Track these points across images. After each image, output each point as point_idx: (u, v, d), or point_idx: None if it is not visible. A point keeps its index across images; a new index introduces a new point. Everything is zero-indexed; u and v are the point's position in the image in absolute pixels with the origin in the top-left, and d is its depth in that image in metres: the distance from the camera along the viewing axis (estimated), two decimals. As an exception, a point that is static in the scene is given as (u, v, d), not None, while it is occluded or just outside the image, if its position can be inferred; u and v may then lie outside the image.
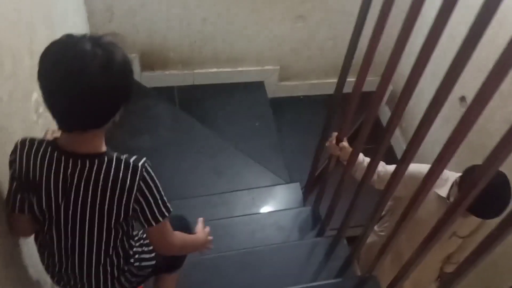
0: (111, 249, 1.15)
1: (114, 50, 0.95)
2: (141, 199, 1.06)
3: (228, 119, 3.15)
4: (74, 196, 1.04)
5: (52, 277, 1.26)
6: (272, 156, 2.96)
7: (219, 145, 2.88)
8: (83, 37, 0.94)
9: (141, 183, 1.04)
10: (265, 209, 2.40)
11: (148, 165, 1.06)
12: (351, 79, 3.29)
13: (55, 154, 1.02)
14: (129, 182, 1.03)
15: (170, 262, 1.46)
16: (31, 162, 1.03)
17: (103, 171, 1.02)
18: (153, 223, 1.10)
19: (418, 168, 1.77)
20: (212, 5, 2.86)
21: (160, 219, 1.10)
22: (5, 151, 1.12)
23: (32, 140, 1.05)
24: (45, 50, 0.94)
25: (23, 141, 1.06)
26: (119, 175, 1.02)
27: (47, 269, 1.25)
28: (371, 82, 2.29)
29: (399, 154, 3.35)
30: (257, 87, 3.37)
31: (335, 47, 3.28)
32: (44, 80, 0.94)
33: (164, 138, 2.83)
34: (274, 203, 2.44)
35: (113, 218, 1.07)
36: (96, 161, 1.02)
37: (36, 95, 1.37)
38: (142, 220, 1.10)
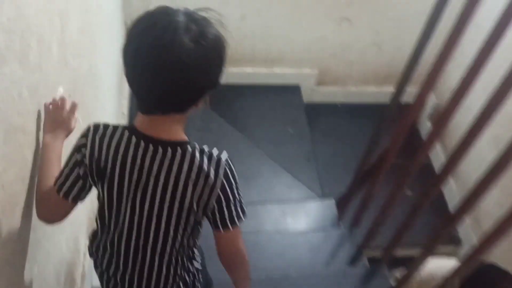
0: (176, 252, 1.05)
1: (208, 25, 0.89)
2: (222, 196, 0.96)
3: (260, 122, 2.98)
4: (153, 187, 0.95)
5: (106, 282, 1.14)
6: (305, 166, 2.78)
7: (249, 150, 2.71)
8: (177, 9, 0.88)
9: (223, 179, 0.95)
10: (297, 226, 2.22)
11: (230, 160, 0.98)
12: (390, 88, 3.09)
13: (133, 139, 0.94)
14: (213, 177, 0.94)
15: None
16: (105, 147, 0.94)
17: (186, 162, 0.93)
18: (229, 225, 0.99)
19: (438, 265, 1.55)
20: (252, 2, 2.69)
21: (237, 221, 1.00)
22: (24, 155, 0.97)
23: (106, 125, 0.97)
24: (135, 19, 0.88)
25: (96, 125, 0.97)
26: (203, 167, 0.93)
27: (102, 271, 1.13)
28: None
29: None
30: (293, 90, 3.19)
31: (379, 53, 3.07)
32: (130, 50, 0.87)
33: (192, 138, 2.66)
34: (307, 220, 2.26)
35: (191, 215, 0.98)
36: (179, 149, 0.93)
37: (62, 89, 1.21)
38: (218, 221, 0.99)
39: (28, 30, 0.96)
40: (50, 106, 1.05)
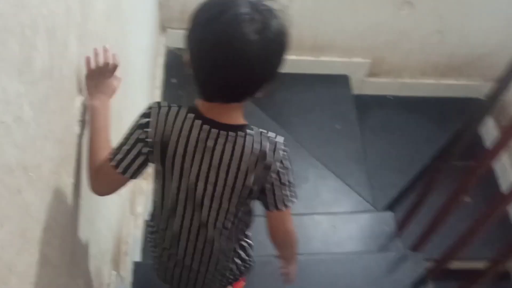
0: (235, 228, 1.10)
1: (272, 17, 0.88)
2: (275, 179, 0.98)
3: (304, 117, 2.68)
4: (217, 168, 0.98)
5: (162, 272, 1.22)
6: (354, 169, 2.49)
7: (293, 150, 2.39)
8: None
9: (279, 163, 0.97)
10: (349, 244, 1.94)
11: (285, 144, 1.00)
12: (450, 81, 2.73)
13: (196, 121, 0.95)
14: (270, 158, 0.96)
15: None
16: (169, 127, 0.95)
17: (248, 144, 0.95)
18: (280, 207, 1.02)
19: None
20: (302, -19, 2.37)
21: (288, 203, 1.03)
22: (33, 182, 0.72)
23: (169, 105, 0.97)
24: (199, 6, 0.87)
25: (159, 104, 0.97)
26: (262, 150, 0.96)
27: (159, 260, 1.21)
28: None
29: (503, 184, 2.80)
30: (341, 81, 2.87)
31: (442, 42, 2.72)
32: (194, 39, 0.87)
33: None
34: (362, 238, 1.98)
35: (251, 193, 1.01)
36: (240, 132, 0.95)
37: (81, 99, 0.95)
38: (269, 202, 1.02)
39: (32, 25, 0.69)
40: (91, 66, 0.98)
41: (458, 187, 1.72)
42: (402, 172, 2.85)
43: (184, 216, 1.07)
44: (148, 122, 0.96)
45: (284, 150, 0.98)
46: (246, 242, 1.21)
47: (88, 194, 1.04)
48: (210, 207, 1.03)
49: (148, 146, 0.96)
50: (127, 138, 0.97)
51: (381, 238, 1.98)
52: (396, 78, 2.95)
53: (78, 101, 0.94)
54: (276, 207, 1.02)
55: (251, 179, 0.97)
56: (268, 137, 0.97)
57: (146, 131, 0.96)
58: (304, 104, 2.74)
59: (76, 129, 0.94)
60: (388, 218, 2.01)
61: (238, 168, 0.97)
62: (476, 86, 3.02)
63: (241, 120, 0.97)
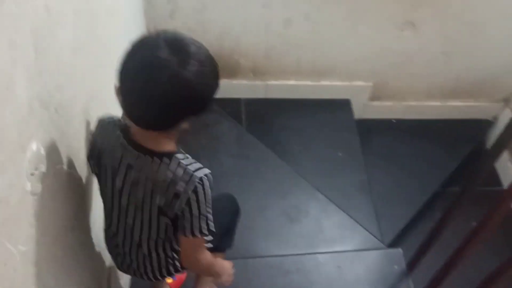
0: (161, 243, 1.15)
1: (190, 60, 0.90)
2: (184, 209, 1.02)
3: (304, 145, 2.53)
4: (132, 190, 1.05)
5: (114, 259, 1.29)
6: (359, 200, 2.32)
7: (293, 182, 2.27)
8: (161, 40, 0.90)
9: (191, 193, 1.01)
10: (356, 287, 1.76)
11: (208, 178, 1.02)
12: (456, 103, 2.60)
13: (124, 142, 1.03)
14: (180, 188, 1.00)
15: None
16: (103, 138, 1.07)
17: (158, 170, 1.00)
18: (188, 235, 1.06)
19: None
20: (299, 4, 2.24)
21: (197, 235, 1.06)
22: None
23: (107, 122, 1.08)
24: (126, 52, 0.92)
25: (100, 122, 1.10)
26: (172, 178, 1.00)
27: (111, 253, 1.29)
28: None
29: (505, 181, 2.68)
30: (342, 106, 2.73)
31: (447, 63, 2.58)
32: (120, 69, 0.92)
33: (225, 167, 2.25)
34: (370, 280, 1.80)
35: (159, 215, 1.06)
36: (155, 158, 1.00)
37: (35, 146, 0.80)
38: (180, 228, 1.07)
39: None
40: None
41: (478, 226, 1.56)
42: (410, 202, 2.69)
43: (119, 219, 1.15)
44: (90, 142, 1.12)
45: (200, 184, 1.01)
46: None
47: (51, 257, 0.88)
48: (135, 217, 1.10)
49: (91, 150, 1.11)
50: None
51: (390, 278, 1.81)
52: (400, 101, 2.80)
53: (30, 150, 0.79)
54: (185, 234, 1.06)
55: (161, 201, 1.03)
56: (185, 168, 1.00)
57: (89, 150, 1.13)
58: (304, 132, 2.60)
59: (28, 185, 0.79)
60: (398, 256, 1.85)
61: (152, 190, 1.03)
62: (484, 108, 2.87)
63: (164, 147, 1.01)
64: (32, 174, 0.80)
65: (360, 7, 2.27)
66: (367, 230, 2.11)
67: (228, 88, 2.58)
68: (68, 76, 1.01)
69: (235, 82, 2.56)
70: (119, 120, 1.06)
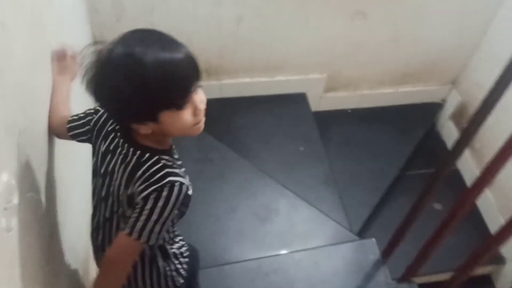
0: None
1: (143, 61, 0.84)
2: (140, 203, 0.95)
3: (265, 142, 2.50)
4: (110, 175, 1.04)
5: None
6: (325, 192, 2.32)
7: (259, 180, 2.24)
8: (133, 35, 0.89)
9: (152, 195, 0.94)
10: (337, 281, 1.76)
11: (179, 186, 0.95)
12: (408, 88, 2.66)
13: (116, 128, 1.04)
14: (146, 185, 0.95)
15: None
16: (103, 123, 1.07)
17: (137, 162, 0.99)
18: (125, 228, 0.96)
19: None
20: (249, 0, 2.20)
21: (135, 235, 0.95)
22: None
23: None
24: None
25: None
26: (144, 173, 0.96)
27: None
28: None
29: (468, 180, 2.73)
30: (299, 100, 2.73)
31: (396, 50, 2.63)
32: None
33: (189, 173, 2.18)
34: (347, 272, 1.80)
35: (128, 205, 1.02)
36: (139, 152, 0.99)
37: (6, 177, 0.72)
38: (126, 220, 1.00)
39: None
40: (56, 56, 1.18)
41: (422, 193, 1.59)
42: (373, 188, 2.73)
43: (96, 209, 1.13)
44: (98, 110, 1.09)
45: (170, 188, 0.93)
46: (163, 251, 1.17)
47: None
48: (112, 204, 1.07)
49: (92, 124, 1.08)
50: (83, 112, 1.11)
51: (367, 268, 1.82)
52: (354, 90, 2.83)
53: (1, 183, 0.71)
54: (124, 228, 0.97)
55: (127, 191, 0.99)
56: (162, 167, 0.96)
57: (96, 113, 1.09)
58: (263, 128, 2.57)
59: (2, 222, 0.70)
60: (372, 245, 1.86)
61: (127, 179, 0.99)
62: (433, 91, 2.95)
63: (148, 143, 0.99)
64: (5, 209, 0.72)
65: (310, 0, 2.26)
66: (337, 223, 2.11)
67: (182, 90, 2.51)
68: (29, 95, 0.92)
69: (189, 84, 2.49)
70: None
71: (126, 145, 1.00)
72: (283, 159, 2.43)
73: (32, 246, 0.87)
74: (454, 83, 2.91)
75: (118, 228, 1.07)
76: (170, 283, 1.20)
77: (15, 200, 0.76)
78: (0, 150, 0.73)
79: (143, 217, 0.93)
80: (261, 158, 2.41)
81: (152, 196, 0.92)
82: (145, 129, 0.93)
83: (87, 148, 1.11)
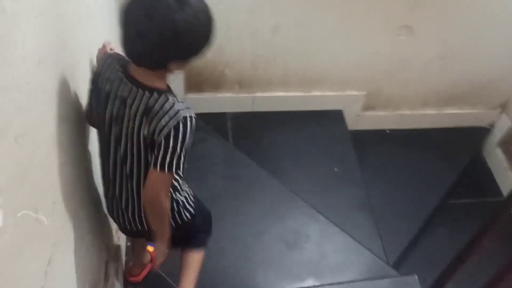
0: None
1: (186, 8, 0.96)
2: (162, 141, 1.06)
3: (297, 161, 2.35)
4: (127, 120, 1.10)
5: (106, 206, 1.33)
6: (360, 219, 2.15)
7: (289, 202, 2.08)
8: None
9: (171, 129, 1.05)
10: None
11: (191, 121, 1.06)
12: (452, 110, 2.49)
13: (123, 78, 1.09)
14: (163, 122, 1.05)
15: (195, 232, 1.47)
16: (104, 70, 1.12)
17: (148, 102, 1.06)
18: (157, 167, 1.07)
19: None
20: (288, 9, 2.07)
21: (165, 168, 1.07)
22: None
23: (113, 59, 1.13)
24: None
25: (108, 57, 1.14)
26: (159, 110, 1.05)
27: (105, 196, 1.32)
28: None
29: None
30: (335, 117, 2.57)
31: (443, 69, 2.45)
32: (123, 8, 0.99)
33: (215, 190, 2.04)
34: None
35: (146, 145, 1.10)
36: (146, 92, 1.06)
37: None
38: (153, 160, 1.08)
39: None
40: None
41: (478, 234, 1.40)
42: (411, 216, 2.53)
43: (115, 154, 1.16)
44: (94, 72, 1.16)
45: (183, 123, 1.05)
46: (175, 195, 1.28)
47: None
48: (126, 149, 1.13)
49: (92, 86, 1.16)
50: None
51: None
52: (395, 110, 2.65)
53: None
54: (154, 166, 1.07)
55: (145, 131, 1.07)
56: (173, 105, 1.05)
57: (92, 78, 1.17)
58: (296, 146, 2.41)
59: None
60: (414, 283, 1.66)
61: (140, 120, 1.07)
62: (481, 115, 2.75)
63: (157, 84, 1.07)
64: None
65: (355, 10, 2.11)
66: (373, 253, 1.93)
67: (212, 101, 2.38)
68: (32, 94, 0.79)
69: (219, 95, 2.37)
70: (122, 57, 1.11)
71: (133, 89, 1.07)
72: (315, 180, 2.27)
73: (23, 276, 0.73)
74: (504, 107, 2.69)
75: (141, 179, 1.16)
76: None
77: None
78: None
79: (169, 153, 1.05)
80: (292, 177, 2.25)
81: (172, 134, 1.04)
82: (178, 67, 1.05)
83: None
